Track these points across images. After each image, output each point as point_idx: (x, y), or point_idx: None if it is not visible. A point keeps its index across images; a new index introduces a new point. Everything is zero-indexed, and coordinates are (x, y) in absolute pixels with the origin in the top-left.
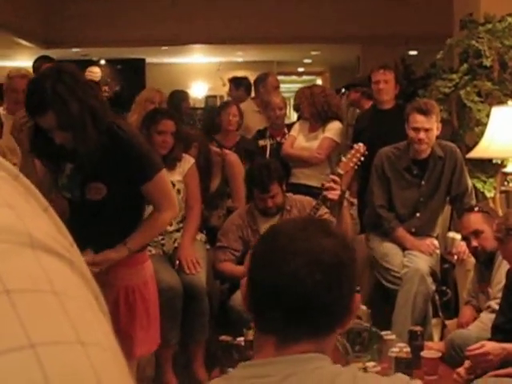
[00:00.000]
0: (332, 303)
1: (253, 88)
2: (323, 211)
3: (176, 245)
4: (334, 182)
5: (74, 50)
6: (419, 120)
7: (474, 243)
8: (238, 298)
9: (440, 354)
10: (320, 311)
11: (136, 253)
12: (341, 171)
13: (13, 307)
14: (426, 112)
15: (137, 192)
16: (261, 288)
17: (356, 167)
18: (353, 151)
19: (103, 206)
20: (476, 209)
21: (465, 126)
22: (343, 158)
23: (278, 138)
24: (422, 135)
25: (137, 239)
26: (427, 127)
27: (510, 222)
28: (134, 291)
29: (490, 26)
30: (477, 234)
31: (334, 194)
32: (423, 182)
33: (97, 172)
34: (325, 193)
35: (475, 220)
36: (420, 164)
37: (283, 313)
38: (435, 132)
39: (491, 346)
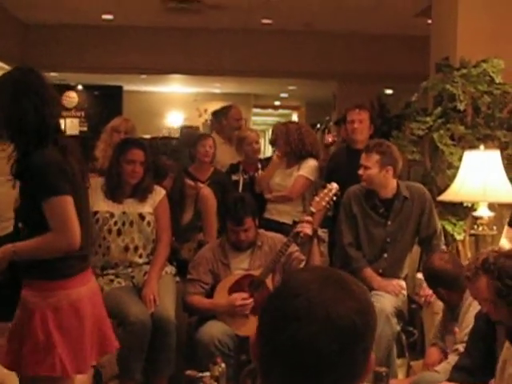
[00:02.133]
0: (346, 371)
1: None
2: (293, 248)
3: (146, 277)
4: (306, 221)
5: (52, 74)
6: (362, 156)
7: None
8: (205, 331)
9: None
10: (331, 377)
11: (41, 279)
12: (313, 209)
13: None
14: (367, 150)
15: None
16: (271, 347)
17: (328, 206)
18: (325, 190)
19: (17, 216)
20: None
21: (437, 169)
22: (316, 197)
23: (251, 173)
24: (360, 171)
25: (24, 247)
26: (365, 164)
27: (479, 262)
28: (35, 314)
29: (464, 71)
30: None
31: (306, 229)
32: (389, 222)
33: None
34: (297, 229)
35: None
36: (386, 203)
37: (292, 376)
38: (375, 171)
39: None
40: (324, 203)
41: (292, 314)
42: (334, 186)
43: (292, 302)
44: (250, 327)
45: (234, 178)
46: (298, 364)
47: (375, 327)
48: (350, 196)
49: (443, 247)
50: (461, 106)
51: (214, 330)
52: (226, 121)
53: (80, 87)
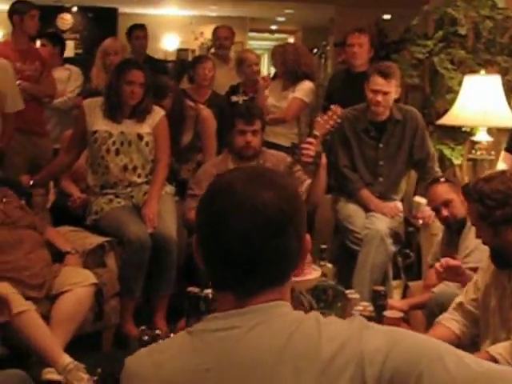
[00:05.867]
0: (283, 256)
1: None
2: (296, 168)
3: (146, 197)
4: (310, 143)
5: None
6: (379, 82)
7: (445, 213)
8: None
9: (402, 314)
10: (272, 265)
11: None
12: (317, 133)
13: None
14: (386, 75)
15: None
16: (209, 248)
17: (332, 129)
18: (330, 112)
19: None
20: (442, 179)
21: (436, 93)
22: (320, 120)
23: (251, 94)
24: (379, 98)
25: None
26: (386, 90)
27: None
28: None
29: None
30: (446, 203)
31: (307, 157)
32: (381, 145)
33: None
34: (301, 152)
35: (443, 190)
36: (378, 126)
37: (235, 271)
38: (393, 96)
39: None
40: (328, 126)
41: (220, 211)
42: (338, 107)
43: (219, 200)
44: None
45: (234, 98)
46: (236, 260)
47: (303, 211)
48: (342, 119)
49: (437, 169)
50: (462, 31)
51: None
52: (215, 41)
53: (75, 9)
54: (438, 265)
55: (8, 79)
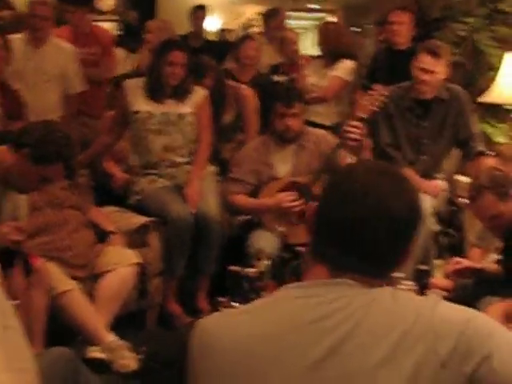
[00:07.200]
0: (387, 255)
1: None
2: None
3: (188, 177)
4: (355, 127)
5: None
6: (427, 61)
7: None
8: (257, 234)
9: (445, 294)
10: (376, 260)
11: None
12: (362, 115)
13: None
14: (435, 54)
15: None
16: (327, 223)
17: (377, 109)
18: (373, 93)
19: None
20: (491, 153)
21: (478, 71)
22: (364, 101)
23: (294, 75)
24: (426, 77)
25: None
26: (433, 70)
27: (481, 181)
28: None
29: None
30: None
31: (353, 141)
32: (426, 124)
33: None
34: (347, 141)
35: (491, 163)
36: (423, 104)
37: (341, 247)
38: (441, 76)
39: None
40: (372, 107)
41: (349, 196)
42: (382, 87)
43: (350, 185)
44: (297, 235)
45: (276, 78)
46: (347, 240)
47: (419, 222)
48: (386, 97)
49: (480, 149)
50: (505, 7)
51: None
52: (274, 23)
53: None
54: (447, 271)
55: (69, 62)
